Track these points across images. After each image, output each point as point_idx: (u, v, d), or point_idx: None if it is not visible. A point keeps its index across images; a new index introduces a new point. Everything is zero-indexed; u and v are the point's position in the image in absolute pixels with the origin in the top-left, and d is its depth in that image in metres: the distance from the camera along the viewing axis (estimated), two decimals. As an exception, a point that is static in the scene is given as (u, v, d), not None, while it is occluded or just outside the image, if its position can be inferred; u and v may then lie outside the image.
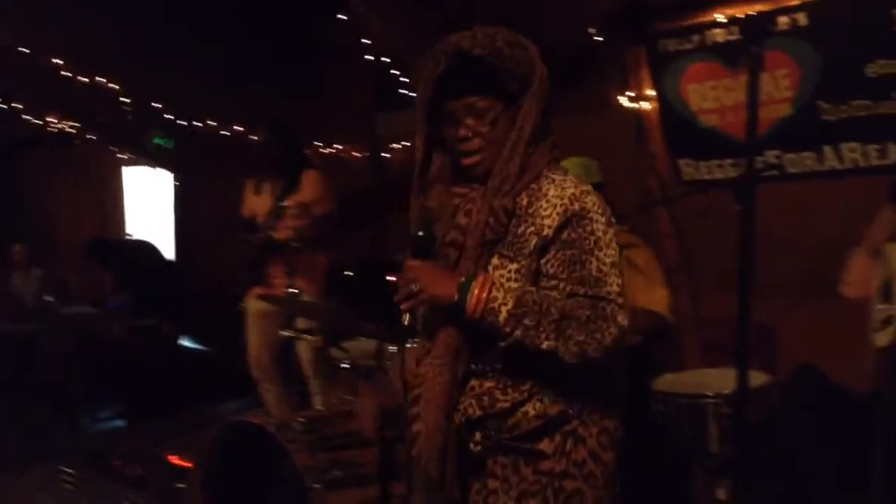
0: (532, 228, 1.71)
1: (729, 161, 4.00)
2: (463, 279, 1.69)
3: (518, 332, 1.65)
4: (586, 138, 4.05)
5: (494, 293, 1.66)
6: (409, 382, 1.85)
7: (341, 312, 3.61)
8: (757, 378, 3.19)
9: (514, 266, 1.71)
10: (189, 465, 3.48)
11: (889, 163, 3.44)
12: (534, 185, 1.74)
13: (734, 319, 3.52)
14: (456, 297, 1.68)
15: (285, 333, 3.82)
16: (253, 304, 4.53)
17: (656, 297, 3.41)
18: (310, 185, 4.39)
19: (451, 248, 1.76)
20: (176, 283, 7.40)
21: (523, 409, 1.75)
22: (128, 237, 8.50)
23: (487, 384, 1.76)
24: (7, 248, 7.01)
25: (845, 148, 3.63)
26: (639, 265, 3.46)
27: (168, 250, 8.08)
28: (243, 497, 3.26)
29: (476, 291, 1.67)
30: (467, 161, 1.76)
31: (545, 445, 1.76)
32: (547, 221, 1.69)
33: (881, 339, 2.83)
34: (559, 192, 1.71)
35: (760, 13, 3.52)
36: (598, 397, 1.79)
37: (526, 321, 1.64)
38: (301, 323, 4.01)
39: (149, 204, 8.53)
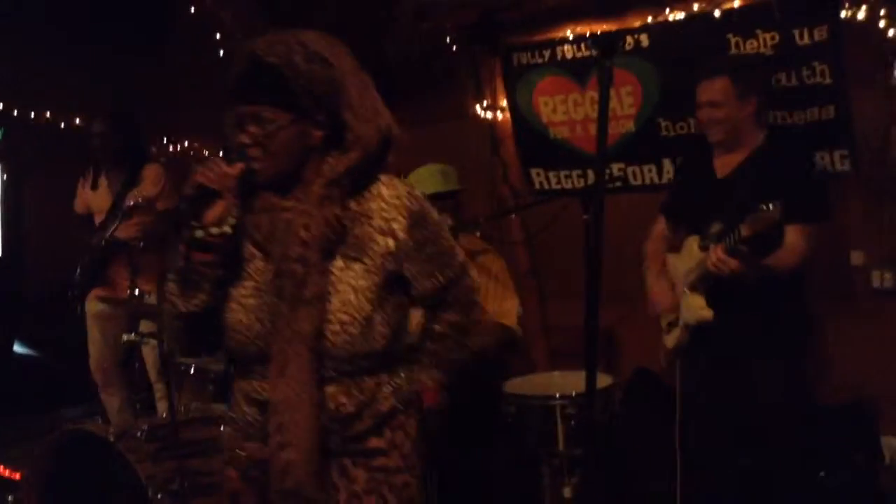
0: (373, 228, 1.74)
1: (577, 172, 4.16)
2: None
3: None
4: (443, 146, 4.11)
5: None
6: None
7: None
8: (601, 380, 3.35)
9: (359, 266, 1.73)
10: (17, 476, 3.30)
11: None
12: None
13: (579, 325, 3.68)
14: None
15: (127, 337, 3.67)
16: (93, 307, 4.33)
17: (506, 308, 3.47)
18: (151, 180, 4.24)
19: (297, 265, 1.70)
20: (7, 283, 6.92)
21: (363, 413, 1.76)
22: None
23: (330, 389, 1.74)
24: None
25: (682, 163, 3.84)
26: (492, 272, 3.52)
27: (-3, 248, 7.55)
28: (81, 509, 3.11)
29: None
30: (251, 167, 1.72)
31: (376, 443, 1.79)
32: (395, 225, 1.75)
33: (669, 341, 3.10)
34: (394, 192, 1.77)
35: (606, 33, 3.69)
36: (416, 388, 1.89)
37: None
38: (145, 326, 3.86)
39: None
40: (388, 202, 1.75)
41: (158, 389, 4.29)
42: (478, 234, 3.49)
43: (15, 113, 6.12)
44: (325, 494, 1.74)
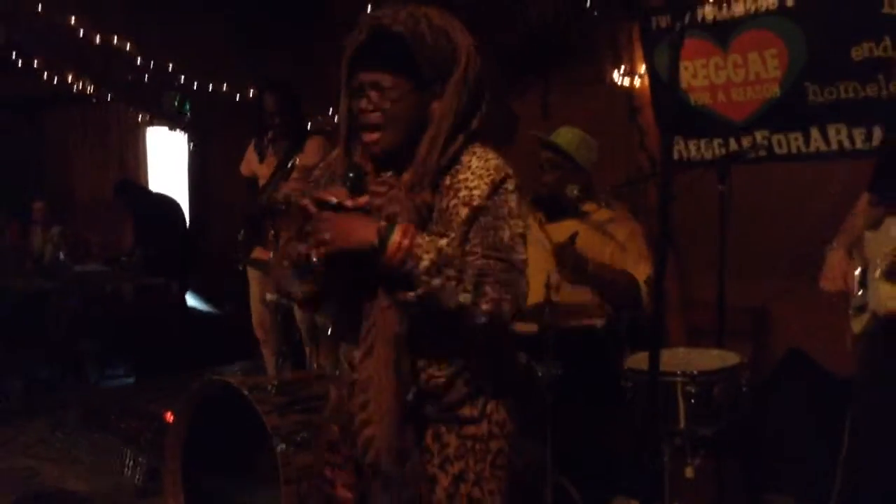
0: (458, 200, 1.74)
1: (718, 140, 3.96)
2: (384, 223, 1.68)
3: (437, 282, 1.65)
4: (579, 114, 4.04)
5: (419, 240, 1.66)
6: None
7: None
8: (728, 359, 3.21)
9: (444, 241, 1.72)
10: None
11: (873, 147, 3.39)
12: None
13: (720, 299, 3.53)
14: (376, 242, 1.66)
15: (270, 297, 3.89)
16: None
17: (637, 270, 3.40)
18: (312, 150, 4.45)
19: None
20: (191, 243, 7.49)
21: (456, 382, 1.80)
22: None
23: (421, 362, 1.78)
24: (28, 204, 7.17)
25: (832, 130, 3.58)
26: (618, 239, 3.45)
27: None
28: (219, 454, 3.36)
29: (398, 238, 1.66)
30: (367, 137, 1.77)
31: (469, 411, 1.83)
32: (476, 192, 1.73)
33: (856, 325, 2.83)
34: (483, 164, 1.76)
35: None
36: (514, 370, 1.93)
37: (448, 272, 1.65)
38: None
39: (169, 165, 8.63)
40: (475, 173, 1.75)
41: (308, 350, 4.52)
42: (603, 203, 3.42)
43: (195, 85, 6.60)
44: (404, 469, 1.78)
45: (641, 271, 3.40)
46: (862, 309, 2.78)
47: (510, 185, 1.76)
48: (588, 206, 3.46)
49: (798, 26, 3.52)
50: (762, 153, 3.75)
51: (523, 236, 1.76)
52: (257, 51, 6.10)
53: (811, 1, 3.46)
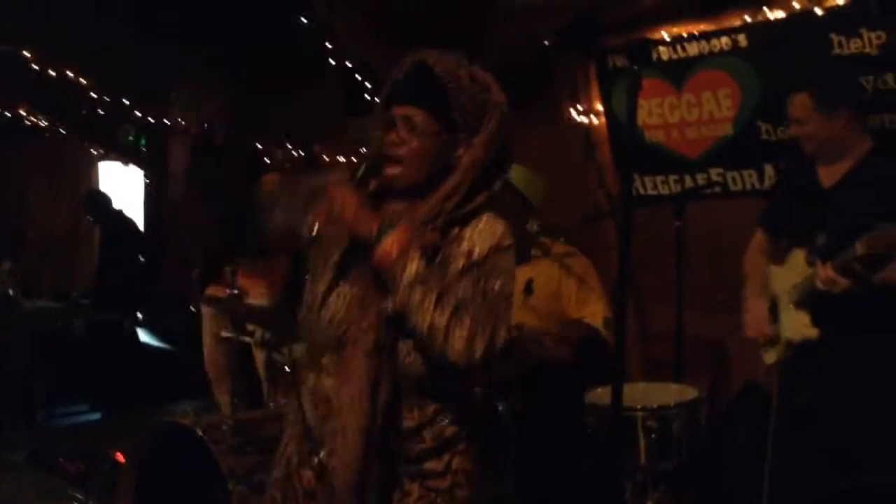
0: (459, 251, 1.74)
1: (673, 177, 4.03)
2: (387, 223, 1.71)
3: (416, 297, 1.64)
4: (537, 151, 4.08)
5: (413, 251, 1.67)
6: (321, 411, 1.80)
7: (280, 317, 3.61)
8: (686, 393, 3.23)
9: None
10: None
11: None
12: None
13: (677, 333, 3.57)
14: (374, 233, 1.69)
15: (226, 333, 3.84)
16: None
17: (588, 312, 3.41)
18: (269, 187, 4.44)
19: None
20: (147, 274, 7.38)
21: (423, 432, 1.77)
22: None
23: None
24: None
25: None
26: (576, 272, 3.46)
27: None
28: (173, 496, 3.27)
29: (394, 237, 1.68)
30: (389, 171, 1.78)
31: (433, 465, 1.79)
32: (478, 247, 1.74)
33: (770, 356, 2.95)
34: (491, 227, 1.77)
35: (638, 41, 3.53)
36: (482, 420, 1.87)
37: (430, 285, 1.65)
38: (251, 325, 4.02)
39: (124, 199, 8.52)
40: (481, 234, 1.76)
41: (266, 389, 4.45)
42: (561, 239, 3.45)
43: (152, 120, 6.57)
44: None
45: (596, 311, 3.42)
46: (774, 341, 2.91)
47: (511, 252, 1.78)
48: (544, 240, 3.48)
49: (751, 67, 3.61)
50: (717, 190, 3.82)
51: (511, 295, 1.77)
52: (214, 86, 6.09)
53: (764, 42, 3.55)
